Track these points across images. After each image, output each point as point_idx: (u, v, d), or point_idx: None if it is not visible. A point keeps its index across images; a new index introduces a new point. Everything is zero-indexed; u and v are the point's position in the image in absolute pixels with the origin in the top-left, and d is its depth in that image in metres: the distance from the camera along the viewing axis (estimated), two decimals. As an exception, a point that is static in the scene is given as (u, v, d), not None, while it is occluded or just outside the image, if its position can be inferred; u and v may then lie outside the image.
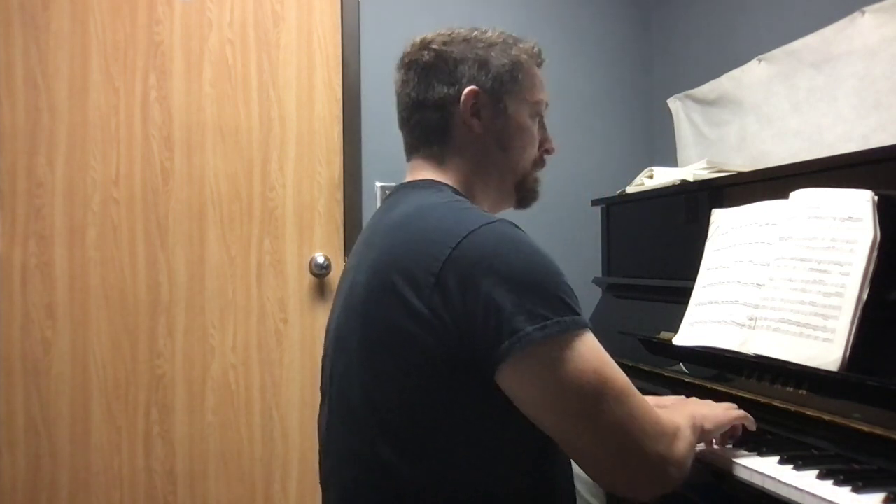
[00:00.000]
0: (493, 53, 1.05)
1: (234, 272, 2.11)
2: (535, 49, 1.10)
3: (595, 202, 2.08)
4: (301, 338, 2.16)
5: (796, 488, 0.91)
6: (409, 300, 0.85)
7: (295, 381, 2.15)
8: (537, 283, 0.84)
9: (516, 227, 0.90)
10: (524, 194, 1.12)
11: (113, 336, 2.02)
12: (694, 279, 1.45)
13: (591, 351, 0.84)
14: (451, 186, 1.02)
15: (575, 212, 2.46)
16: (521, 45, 1.08)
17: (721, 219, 1.46)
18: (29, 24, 1.96)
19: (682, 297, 1.47)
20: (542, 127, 1.12)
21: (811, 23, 1.91)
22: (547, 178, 2.92)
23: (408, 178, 1.07)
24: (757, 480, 0.97)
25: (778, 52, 2.02)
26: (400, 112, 1.09)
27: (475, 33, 1.08)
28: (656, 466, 0.84)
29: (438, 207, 0.93)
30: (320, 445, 1.05)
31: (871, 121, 1.71)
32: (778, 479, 0.94)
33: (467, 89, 1.02)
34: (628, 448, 0.83)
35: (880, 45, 1.69)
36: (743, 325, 1.26)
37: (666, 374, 1.44)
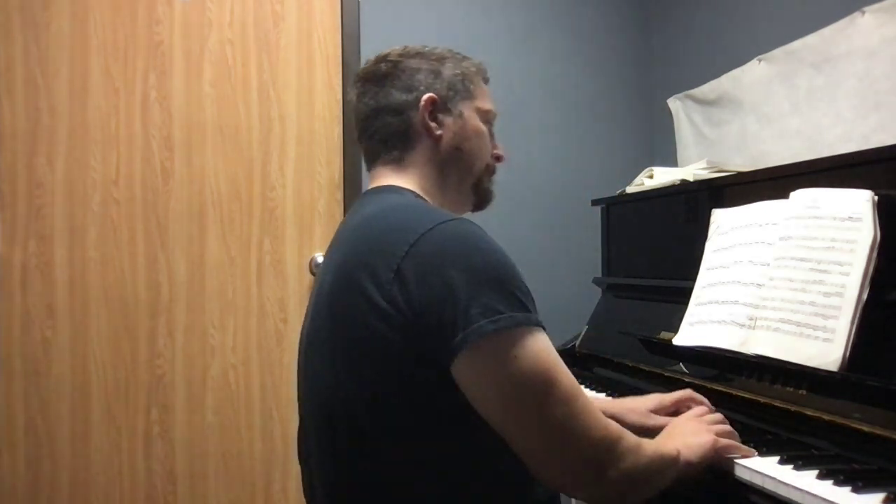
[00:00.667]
0: (445, 65, 1.11)
1: (234, 272, 2.11)
2: (482, 66, 1.16)
3: (595, 202, 2.07)
4: (301, 338, 2.16)
5: (796, 488, 0.91)
6: (371, 296, 0.87)
7: (295, 381, 2.14)
8: (493, 278, 0.86)
9: (476, 225, 0.92)
10: (480, 196, 1.15)
11: (113, 336, 2.02)
12: (694, 279, 1.45)
13: (541, 349, 0.85)
14: (411, 191, 1.05)
15: (575, 212, 2.46)
16: (469, 61, 1.14)
17: (721, 219, 1.46)
18: (29, 24, 1.96)
19: (682, 297, 1.47)
20: (492, 136, 1.16)
21: (811, 23, 1.91)
22: (547, 178, 2.94)
23: (370, 186, 1.11)
24: (757, 480, 0.97)
25: (778, 52, 2.02)
26: (358, 124, 1.12)
27: (426, 49, 1.13)
28: (593, 469, 0.86)
29: (400, 208, 0.97)
30: (299, 449, 1.08)
31: (871, 121, 1.71)
32: (778, 479, 0.94)
33: (425, 95, 1.07)
34: (568, 448, 0.85)
35: (880, 45, 1.69)
36: (743, 325, 1.26)
37: (666, 374, 1.44)
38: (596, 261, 2.07)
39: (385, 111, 1.08)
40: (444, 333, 0.84)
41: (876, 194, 1.12)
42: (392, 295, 0.86)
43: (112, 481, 2.01)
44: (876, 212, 1.10)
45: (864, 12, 1.73)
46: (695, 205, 1.64)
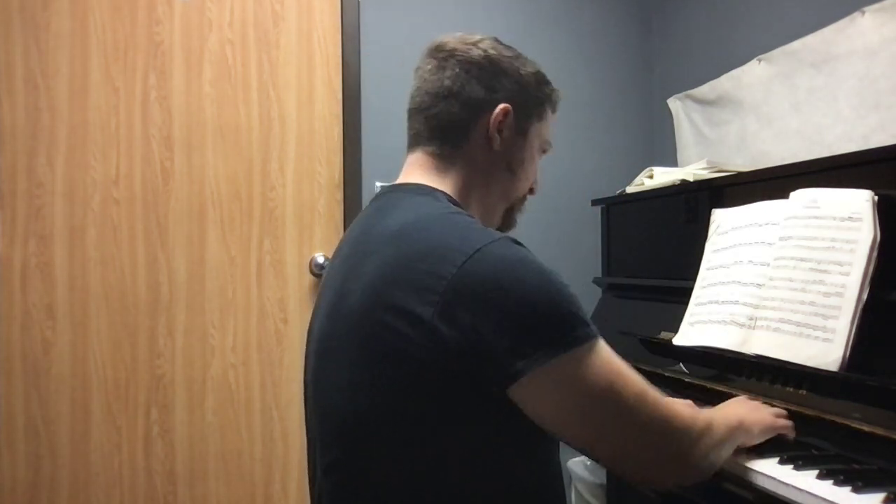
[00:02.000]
0: (531, 81, 1.05)
1: (234, 272, 2.11)
2: (559, 95, 1.11)
3: (595, 202, 2.08)
4: (301, 338, 2.15)
5: (796, 488, 0.91)
6: (409, 317, 0.83)
7: (295, 381, 2.15)
8: (548, 301, 0.84)
9: (518, 243, 0.89)
10: (507, 223, 1.13)
11: (113, 336, 2.02)
12: (694, 279, 1.45)
13: (604, 361, 0.85)
14: (447, 195, 0.99)
15: (575, 212, 2.46)
16: (551, 86, 1.09)
17: (721, 219, 1.46)
18: (29, 24, 1.96)
19: (682, 297, 1.47)
20: (536, 168, 1.13)
21: (811, 23, 1.91)
22: (547, 178, 2.93)
23: (403, 177, 1.04)
24: (757, 480, 0.97)
25: (778, 52, 2.02)
26: (420, 97, 1.04)
27: (520, 57, 1.06)
28: (679, 460, 0.88)
29: (439, 219, 0.91)
30: (308, 452, 1.05)
31: (871, 121, 1.72)
32: (778, 479, 0.94)
33: (503, 104, 1.01)
34: (650, 447, 0.86)
35: (880, 45, 1.69)
36: (743, 325, 1.26)
37: (666, 374, 1.44)
38: (596, 261, 2.07)
39: (458, 98, 1.00)
40: (497, 362, 0.81)
41: (876, 194, 1.12)
42: (434, 320, 0.82)
43: (112, 481, 2.01)
44: (876, 212, 1.10)
45: (864, 12, 1.73)
46: (695, 205, 1.64)
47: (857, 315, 1.07)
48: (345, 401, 0.91)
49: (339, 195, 2.20)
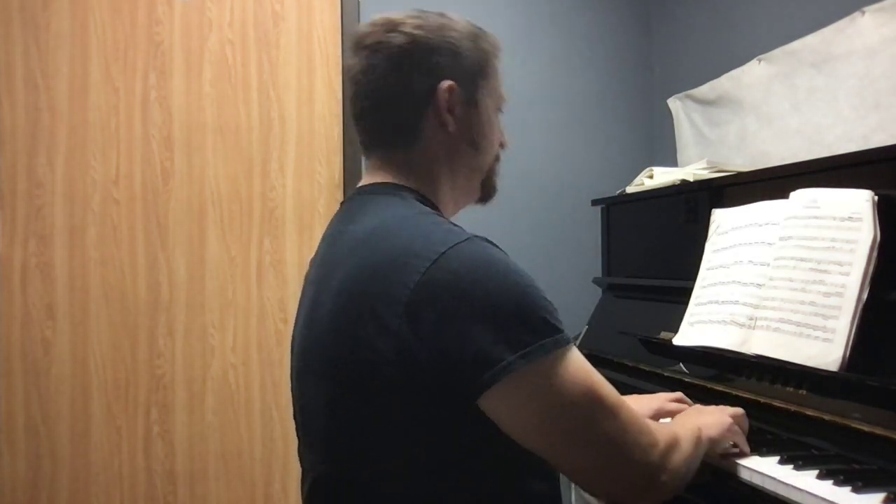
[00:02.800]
0: (465, 44, 0.96)
1: (234, 272, 2.11)
2: (497, 42, 1.02)
3: (595, 202, 2.08)
4: (301, 338, 2.16)
5: (796, 488, 0.91)
6: (375, 327, 0.80)
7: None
8: (515, 305, 0.80)
9: (487, 241, 0.85)
10: (486, 191, 1.05)
11: (113, 336, 2.02)
12: (694, 279, 1.45)
13: (577, 369, 0.81)
14: (415, 191, 0.95)
15: (575, 212, 2.46)
16: (487, 38, 1.00)
17: (721, 219, 1.46)
18: (29, 24, 1.96)
19: (682, 297, 1.47)
20: (499, 122, 1.05)
21: (811, 23, 1.91)
22: (547, 178, 2.93)
23: (366, 180, 0.99)
24: (757, 480, 0.97)
25: (778, 52, 2.02)
26: (360, 102, 0.97)
27: (444, 20, 0.97)
28: (648, 477, 0.84)
29: (404, 222, 0.87)
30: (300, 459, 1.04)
31: (871, 121, 1.71)
32: (778, 479, 0.94)
33: (445, 83, 0.93)
34: (620, 461, 0.83)
35: (880, 45, 1.69)
36: (743, 325, 1.26)
37: (666, 374, 1.44)
38: (596, 261, 2.07)
39: (399, 99, 0.94)
40: (466, 370, 0.78)
41: (876, 194, 1.12)
42: (401, 329, 0.79)
43: (112, 481, 2.01)
44: (876, 212, 1.10)
45: (864, 12, 1.73)
46: (695, 205, 1.64)
47: (857, 315, 1.07)
48: (325, 418, 0.89)
49: (339, 195, 2.20)
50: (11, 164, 1.95)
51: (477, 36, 0.99)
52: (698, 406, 1.14)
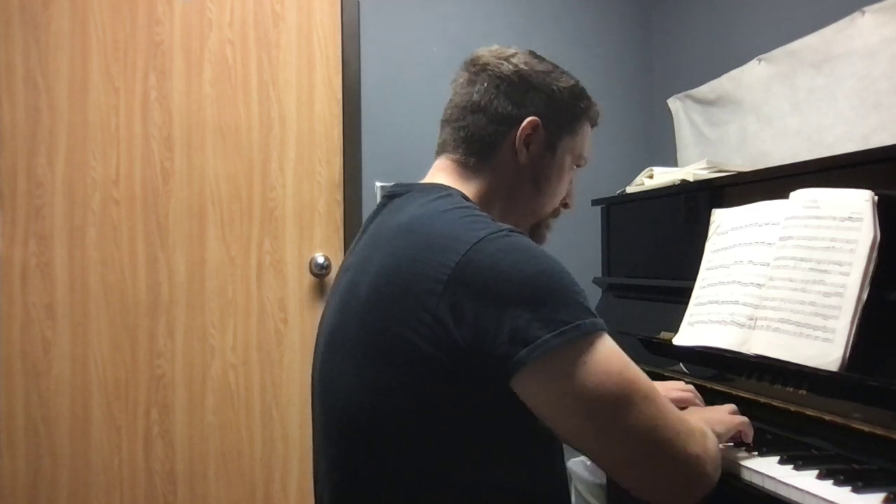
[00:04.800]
0: (564, 96, 1.05)
1: (234, 272, 2.11)
2: (598, 110, 1.12)
3: (595, 202, 2.07)
4: (301, 338, 2.16)
5: (796, 488, 0.91)
6: (413, 307, 0.82)
7: (295, 381, 2.15)
8: (552, 287, 0.82)
9: (524, 236, 0.88)
10: (534, 237, 1.06)
11: (113, 336, 2.02)
12: (694, 279, 1.45)
13: (612, 353, 0.82)
14: (464, 195, 0.98)
15: (575, 212, 2.46)
16: (589, 103, 1.10)
17: (721, 219, 1.46)
18: (29, 24, 1.96)
19: (682, 297, 1.47)
20: (571, 182, 1.12)
21: (811, 23, 1.91)
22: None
23: (427, 178, 1.04)
24: (757, 480, 0.97)
25: (778, 52, 2.02)
26: (451, 109, 1.05)
27: (554, 71, 1.06)
28: (694, 466, 0.83)
29: (447, 213, 0.91)
30: (313, 447, 1.04)
31: (871, 121, 1.71)
32: (778, 479, 0.94)
33: (530, 117, 1.01)
34: (662, 449, 0.81)
35: (880, 45, 1.69)
36: (743, 325, 1.26)
37: (666, 374, 1.44)
38: (596, 261, 2.07)
39: (485, 112, 1.01)
40: (501, 350, 0.79)
41: (876, 194, 1.12)
42: (438, 309, 0.81)
43: (112, 481, 2.01)
44: (876, 212, 1.10)
45: (864, 12, 1.73)
46: (695, 205, 1.64)
47: (857, 315, 1.07)
48: (350, 395, 0.90)
49: (339, 195, 2.20)
50: (11, 164, 1.95)
51: (579, 96, 1.07)
52: (696, 408, 1.14)
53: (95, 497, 1.99)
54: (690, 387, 1.24)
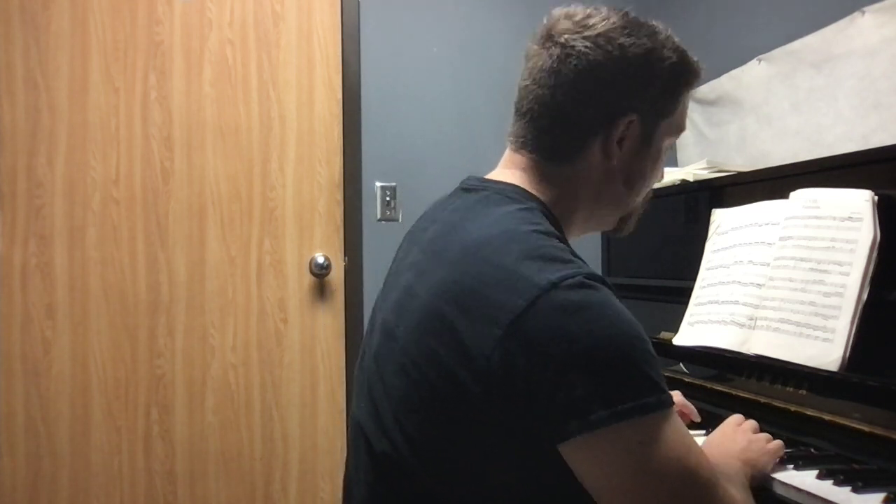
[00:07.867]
0: (665, 79, 0.89)
1: (234, 272, 2.11)
2: (698, 70, 0.94)
3: (595, 202, 2.07)
4: (301, 338, 2.16)
5: (796, 488, 0.91)
6: (466, 343, 0.76)
7: (295, 381, 2.15)
8: (620, 357, 0.74)
9: (601, 279, 0.78)
10: (623, 227, 1.00)
11: (113, 336, 2.02)
12: (694, 279, 1.45)
13: (675, 435, 0.74)
14: (543, 203, 0.89)
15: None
16: (689, 70, 0.92)
17: (721, 219, 1.46)
18: (29, 24, 1.96)
19: (682, 297, 1.47)
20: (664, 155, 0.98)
21: (811, 23, 1.91)
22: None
23: (497, 174, 0.93)
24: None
25: (778, 52, 2.01)
26: (529, 99, 0.90)
27: (654, 47, 0.88)
28: None
29: (521, 239, 0.80)
30: (347, 438, 0.97)
31: (871, 121, 1.71)
32: (778, 478, 0.94)
33: (627, 119, 0.88)
34: None
35: (880, 45, 1.69)
36: (743, 325, 1.26)
37: (666, 375, 1.44)
38: (596, 260, 2.07)
39: (576, 118, 0.88)
40: (553, 414, 0.73)
41: (876, 194, 1.12)
42: (493, 354, 0.74)
43: (112, 481, 2.01)
44: (876, 212, 1.10)
45: (864, 12, 1.73)
46: (695, 205, 1.64)
47: (857, 315, 1.07)
48: (399, 407, 0.83)
49: (339, 195, 2.20)
50: (11, 164, 1.95)
51: (682, 70, 0.91)
52: (729, 436, 1.02)
53: (95, 497, 1.99)
54: (689, 406, 1.21)
